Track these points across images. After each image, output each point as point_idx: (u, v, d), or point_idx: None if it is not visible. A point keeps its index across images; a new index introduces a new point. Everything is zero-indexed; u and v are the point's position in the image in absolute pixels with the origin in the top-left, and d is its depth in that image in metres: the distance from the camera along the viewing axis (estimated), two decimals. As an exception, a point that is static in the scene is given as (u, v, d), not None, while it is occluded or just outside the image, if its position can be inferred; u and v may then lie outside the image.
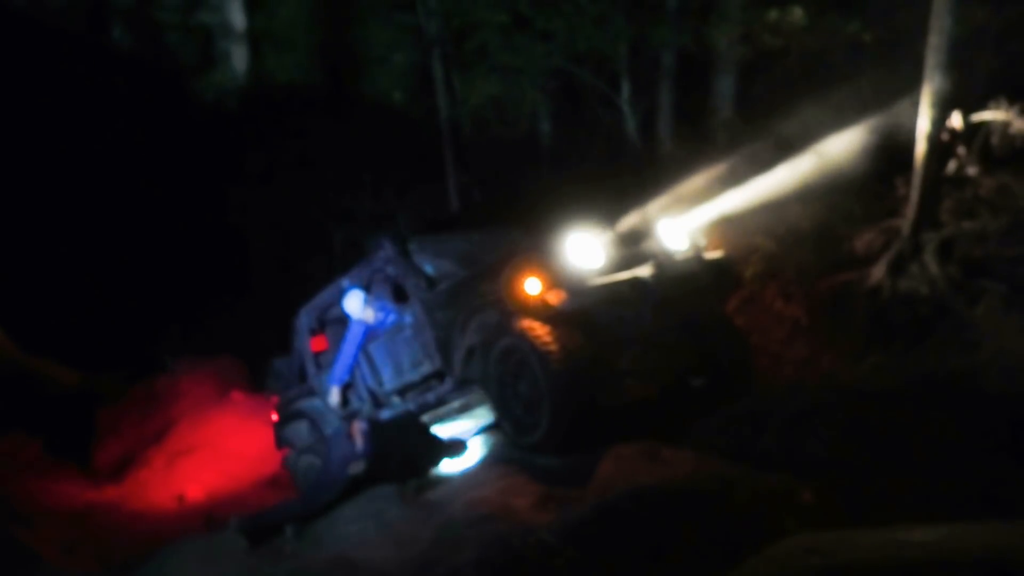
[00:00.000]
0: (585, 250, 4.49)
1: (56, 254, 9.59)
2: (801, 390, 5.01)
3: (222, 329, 9.33)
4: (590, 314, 4.44)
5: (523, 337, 4.38)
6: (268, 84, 12.88)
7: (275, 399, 6.68)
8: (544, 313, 4.42)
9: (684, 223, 5.09)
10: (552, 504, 3.94)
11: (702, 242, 5.12)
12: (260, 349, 7.87)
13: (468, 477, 4.68)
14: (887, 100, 7.91)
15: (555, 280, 4.40)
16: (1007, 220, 5.85)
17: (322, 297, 6.20)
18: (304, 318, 6.34)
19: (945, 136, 5.63)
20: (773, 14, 7.68)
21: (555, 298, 4.37)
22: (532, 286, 4.42)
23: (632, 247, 4.78)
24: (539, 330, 4.33)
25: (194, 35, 12.88)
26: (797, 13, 7.57)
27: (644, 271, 4.48)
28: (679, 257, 4.82)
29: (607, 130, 11.03)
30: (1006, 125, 5.71)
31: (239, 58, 12.79)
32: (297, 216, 10.76)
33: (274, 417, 6.61)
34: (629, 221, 5.09)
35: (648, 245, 4.84)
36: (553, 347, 4.28)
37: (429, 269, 5.45)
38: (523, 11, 10.24)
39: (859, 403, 4.49)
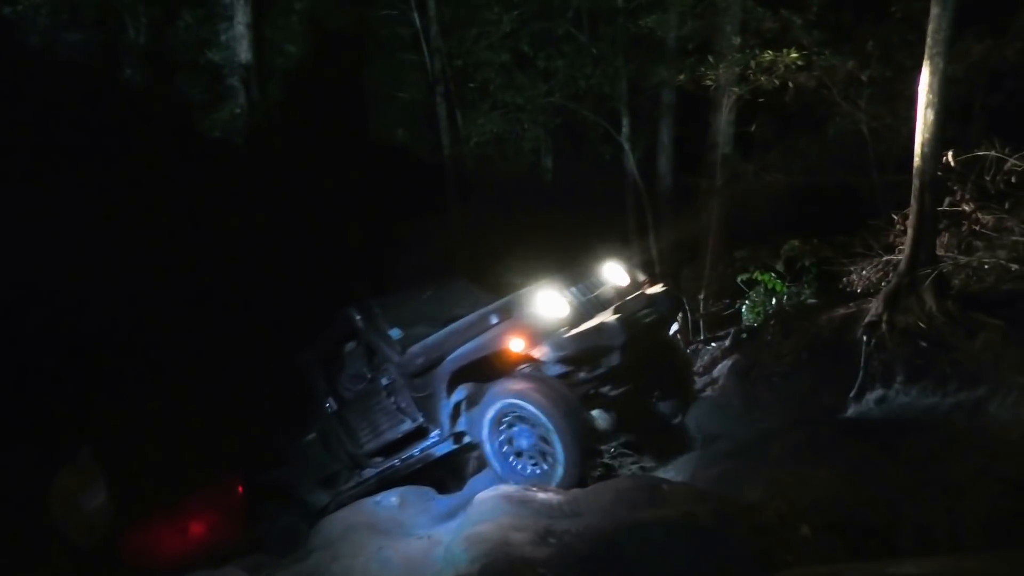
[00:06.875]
0: (554, 305, 4.87)
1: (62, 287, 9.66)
2: (801, 424, 5.05)
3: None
4: (570, 362, 4.75)
5: (519, 395, 4.76)
6: (274, 120, 13.08)
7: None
8: (530, 368, 4.84)
9: (626, 263, 5.57)
10: (551, 539, 3.93)
11: (641, 278, 5.58)
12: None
13: (467, 512, 4.67)
14: (883, 138, 8.05)
15: (534, 336, 4.75)
16: (1004, 254, 5.90)
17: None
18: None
19: (940, 173, 5.69)
20: (768, 55, 7.82)
21: (538, 353, 4.71)
22: (517, 344, 4.78)
23: (591, 295, 5.17)
24: (531, 386, 4.75)
25: (203, 72, 13.12)
26: (791, 55, 7.70)
27: (608, 316, 4.84)
28: (631, 298, 5.22)
29: (608, 166, 11.17)
30: (1000, 161, 5.78)
31: (245, 95, 13.00)
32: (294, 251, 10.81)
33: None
34: (583, 269, 5.44)
35: (603, 291, 5.27)
36: (549, 396, 4.68)
37: (395, 333, 5.69)
38: (524, 51, 10.46)
39: (858, 437, 4.51)
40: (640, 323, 5.05)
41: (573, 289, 5.07)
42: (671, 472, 5.01)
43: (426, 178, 12.16)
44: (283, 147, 12.33)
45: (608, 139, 11.05)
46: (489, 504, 4.44)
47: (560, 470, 4.65)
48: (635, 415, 5.71)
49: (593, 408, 5.19)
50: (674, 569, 3.29)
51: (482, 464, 5.69)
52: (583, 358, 4.74)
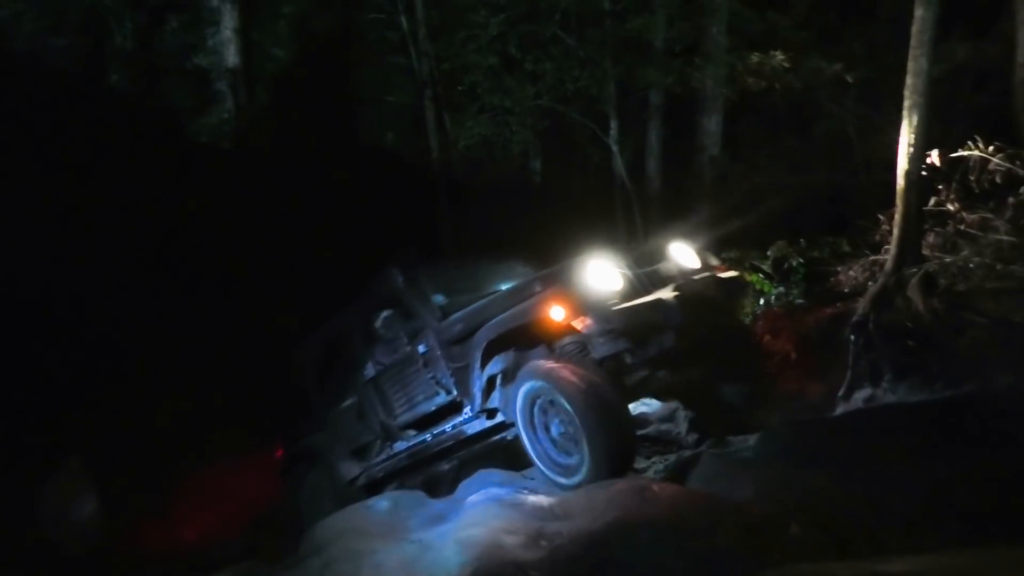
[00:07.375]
0: (605, 276, 4.45)
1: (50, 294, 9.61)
2: (790, 424, 5.07)
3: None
4: (617, 337, 4.37)
5: (550, 379, 4.33)
6: (262, 125, 13.06)
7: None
8: (570, 341, 4.47)
9: (694, 246, 5.12)
10: (543, 541, 3.94)
11: (713, 262, 5.15)
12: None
13: (461, 516, 4.67)
14: (870, 138, 8.10)
15: (579, 306, 4.35)
16: (989, 253, 5.96)
17: (326, 330, 6.20)
18: (307, 353, 6.37)
19: (925, 173, 5.75)
20: (755, 57, 7.88)
21: (581, 324, 4.33)
22: (557, 313, 4.38)
23: (648, 271, 4.72)
24: (565, 372, 4.28)
25: (190, 77, 13.07)
26: (778, 56, 7.76)
27: (666, 293, 4.44)
28: (696, 278, 4.80)
29: (597, 168, 11.21)
30: (984, 161, 5.84)
31: (233, 100, 12.97)
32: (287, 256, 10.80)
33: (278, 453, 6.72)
34: (641, 246, 5.13)
35: (664, 268, 4.81)
36: (581, 387, 4.20)
37: (438, 299, 5.40)
38: (512, 54, 10.49)
39: (847, 436, 4.53)
40: (704, 305, 4.60)
41: (630, 262, 4.66)
42: (661, 473, 5.02)
43: (415, 181, 12.16)
44: (271, 151, 12.30)
45: (596, 141, 11.09)
46: (480, 508, 4.45)
47: (583, 471, 4.29)
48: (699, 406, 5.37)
49: (643, 396, 4.83)
50: (663, 569, 3.30)
51: (474, 468, 5.67)
52: (632, 334, 4.32)
